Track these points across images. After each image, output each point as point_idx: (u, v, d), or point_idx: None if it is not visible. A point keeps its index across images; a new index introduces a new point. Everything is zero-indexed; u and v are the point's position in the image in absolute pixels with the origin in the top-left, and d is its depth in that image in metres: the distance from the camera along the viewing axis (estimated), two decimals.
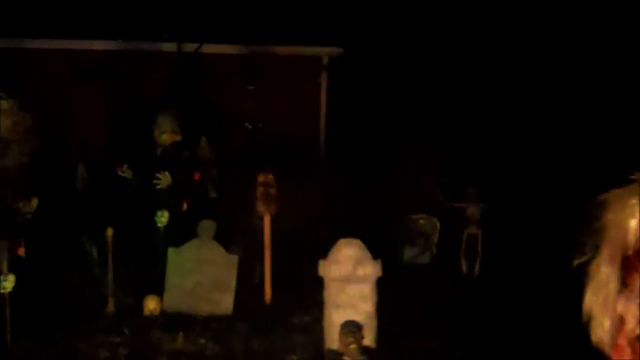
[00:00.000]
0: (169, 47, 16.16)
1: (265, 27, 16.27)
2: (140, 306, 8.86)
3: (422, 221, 11.59)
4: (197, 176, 10.41)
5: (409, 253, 11.72)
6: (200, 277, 8.89)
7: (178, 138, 9.61)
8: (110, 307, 8.72)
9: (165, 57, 16.13)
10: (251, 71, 16.09)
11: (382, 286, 9.34)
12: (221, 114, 13.80)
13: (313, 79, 16.57)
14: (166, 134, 9.51)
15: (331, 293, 7.13)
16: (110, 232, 8.41)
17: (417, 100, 14.80)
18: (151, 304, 8.71)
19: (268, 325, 8.52)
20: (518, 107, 13.95)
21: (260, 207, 9.12)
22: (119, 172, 9.28)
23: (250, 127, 12.63)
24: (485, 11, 14.49)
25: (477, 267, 10.89)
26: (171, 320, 8.56)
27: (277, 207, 9.16)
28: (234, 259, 8.93)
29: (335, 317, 6.93)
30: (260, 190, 9.06)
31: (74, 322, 8.37)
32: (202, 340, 8.02)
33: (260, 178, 9.08)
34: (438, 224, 11.60)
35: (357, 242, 7.19)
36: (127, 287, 9.14)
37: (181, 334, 8.07)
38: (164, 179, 9.37)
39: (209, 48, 16.20)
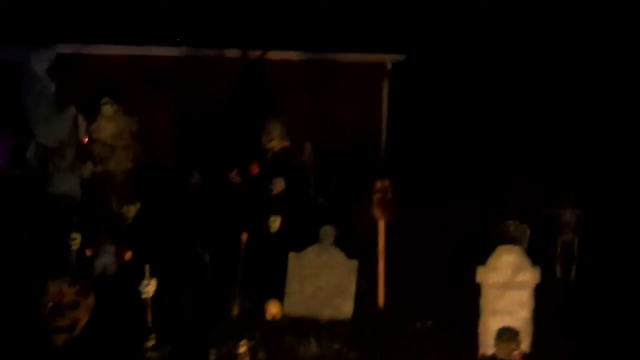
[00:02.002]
0: (234, 53, 16.21)
1: (329, 34, 16.32)
2: (258, 310, 8.86)
3: (512, 227, 11.59)
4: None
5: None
6: (321, 282, 8.93)
7: (287, 144, 9.65)
8: (235, 311, 8.73)
9: (230, 64, 16.17)
10: (315, 77, 16.17)
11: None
12: (320, 120, 13.84)
13: (376, 85, 16.63)
14: (275, 140, 9.56)
15: (489, 299, 7.16)
16: (244, 236, 8.43)
17: (484, 106, 14.83)
18: (273, 309, 8.75)
19: (391, 329, 8.54)
20: (615, 109, 13.97)
21: (377, 212, 9.15)
22: (230, 178, 9.29)
23: (349, 134, 12.64)
24: (556, 13, 14.52)
25: (573, 273, 10.90)
26: (295, 325, 8.57)
27: (393, 213, 9.18)
28: (354, 264, 8.96)
29: (491, 324, 6.96)
30: (377, 196, 9.10)
31: (199, 327, 8.37)
32: (337, 345, 8.03)
33: (378, 184, 9.11)
34: (528, 230, 11.61)
35: (516, 249, 7.23)
36: (245, 292, 9.14)
37: (312, 339, 8.09)
38: (278, 185, 9.40)
39: (273, 55, 16.23)
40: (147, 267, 7.37)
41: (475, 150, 13.68)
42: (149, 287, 7.43)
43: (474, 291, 8.60)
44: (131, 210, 10.06)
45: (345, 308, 8.86)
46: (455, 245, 10.68)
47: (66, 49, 15.90)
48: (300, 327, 8.49)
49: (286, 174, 9.52)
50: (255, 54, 16.00)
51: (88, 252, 9.42)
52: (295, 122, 13.03)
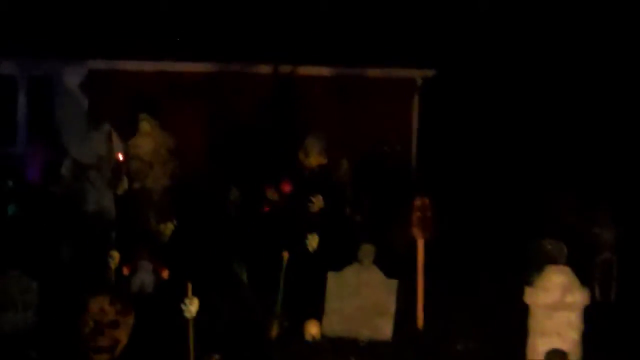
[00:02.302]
0: (265, 68, 16.23)
1: (359, 49, 16.33)
2: (295, 330, 8.80)
3: (549, 246, 11.46)
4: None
5: (534, 278, 11.58)
6: (360, 301, 8.84)
7: (324, 161, 9.60)
8: (274, 331, 8.68)
9: (261, 79, 16.19)
10: (345, 93, 16.18)
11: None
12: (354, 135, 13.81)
13: (406, 100, 16.60)
14: (313, 156, 9.51)
15: (537, 320, 7.08)
16: (286, 255, 8.38)
17: (517, 121, 14.73)
18: (313, 329, 8.67)
19: (431, 351, 8.45)
20: None
21: (416, 231, 9.06)
22: (267, 195, 9.26)
23: (388, 150, 12.60)
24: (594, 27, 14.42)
25: (612, 294, 10.75)
26: (335, 346, 8.50)
27: (432, 232, 9.10)
28: (394, 283, 8.89)
29: (540, 345, 6.88)
30: (416, 214, 9.01)
31: (240, 347, 8.32)
32: None
33: (417, 202, 9.02)
34: (565, 249, 11.47)
35: (566, 269, 7.16)
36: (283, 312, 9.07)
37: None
38: (317, 202, 9.35)
39: (303, 70, 16.25)
40: (189, 285, 7.30)
41: (509, 166, 13.57)
42: (192, 307, 7.35)
43: (517, 312, 8.51)
44: (168, 228, 10.04)
45: (385, 328, 8.78)
46: (494, 264, 10.58)
47: (98, 64, 16.04)
48: (340, 347, 8.40)
49: (324, 191, 9.43)
50: (286, 69, 16.01)
51: (125, 270, 9.38)
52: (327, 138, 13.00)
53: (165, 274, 9.70)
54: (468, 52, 15.54)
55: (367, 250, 8.77)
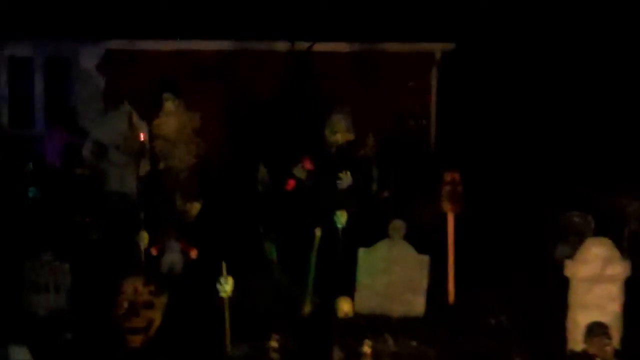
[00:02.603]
0: (282, 46, 16.12)
1: (378, 24, 16.19)
2: (327, 307, 8.76)
3: (576, 218, 11.39)
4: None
5: (561, 251, 11.51)
6: (392, 277, 8.79)
7: (351, 137, 9.55)
8: (307, 309, 8.66)
9: (279, 56, 16.09)
10: (363, 67, 16.07)
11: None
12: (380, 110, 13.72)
13: (425, 74, 16.48)
14: (340, 133, 9.46)
15: (578, 293, 7.02)
16: (318, 232, 8.34)
17: (538, 94, 14.59)
18: (345, 306, 8.62)
19: (466, 326, 8.42)
20: None
21: (446, 205, 9.01)
22: (294, 172, 9.20)
23: (414, 124, 12.52)
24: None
25: None
26: (369, 322, 8.47)
27: (462, 206, 9.05)
28: (425, 259, 8.84)
29: (581, 318, 6.83)
30: (446, 188, 8.95)
31: (271, 324, 8.29)
32: (414, 343, 7.93)
33: (447, 176, 8.97)
34: (592, 222, 11.40)
35: (606, 241, 7.09)
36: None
37: (388, 336, 7.99)
38: (345, 179, 9.29)
39: (321, 46, 16.14)
40: (224, 265, 7.28)
41: (530, 140, 13.45)
42: (227, 286, 7.34)
43: (549, 285, 8.47)
44: (194, 207, 10.01)
45: (416, 304, 8.74)
46: (522, 238, 10.52)
47: (115, 44, 15.96)
48: (373, 324, 8.37)
49: (351, 168, 9.37)
50: (303, 45, 15.90)
51: (154, 251, 9.36)
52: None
53: (193, 253, 9.69)
54: (488, 25, 15.36)
55: (397, 226, 8.71)
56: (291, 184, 11.16)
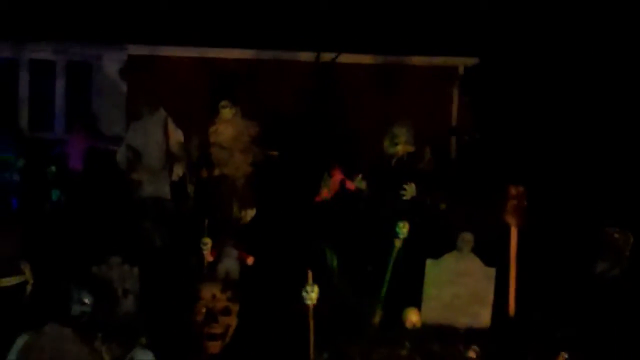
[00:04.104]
0: (306, 56, 16.13)
1: (401, 37, 16.25)
2: (393, 319, 8.77)
3: (616, 235, 11.48)
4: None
5: (600, 266, 11.62)
6: (458, 289, 8.85)
7: (411, 149, 9.58)
8: (377, 318, 8.65)
9: (302, 67, 16.09)
10: (386, 81, 16.12)
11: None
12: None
13: (447, 89, 16.57)
14: (401, 145, 9.49)
15: None
16: (398, 243, 8.34)
17: (564, 114, 14.67)
18: (413, 317, 8.66)
19: (531, 338, 8.47)
20: None
21: (510, 219, 9.08)
22: (355, 183, 9.21)
23: (467, 138, 12.58)
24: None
25: None
26: (437, 333, 8.49)
27: (526, 220, 9.12)
28: (492, 271, 8.90)
29: None
30: (512, 202, 9.03)
31: (341, 333, 8.28)
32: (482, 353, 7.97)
33: (512, 190, 9.04)
34: (631, 239, 11.50)
35: None
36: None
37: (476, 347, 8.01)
38: (409, 190, 9.32)
39: (345, 58, 16.17)
40: (309, 272, 7.26)
41: (557, 158, 13.53)
42: (313, 294, 7.31)
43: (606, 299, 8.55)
44: (248, 214, 9.98)
45: (482, 316, 8.80)
46: (567, 253, 10.59)
47: (138, 50, 15.86)
48: (441, 334, 8.40)
49: (411, 180, 9.41)
50: (328, 57, 15.92)
51: (210, 257, 9.31)
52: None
53: (250, 260, 9.65)
54: (513, 40, 15.46)
55: (466, 239, 8.77)
56: (324, 194, 11.18)
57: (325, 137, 13.55)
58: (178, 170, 12.35)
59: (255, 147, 10.43)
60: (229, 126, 10.38)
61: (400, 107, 16.12)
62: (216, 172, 10.37)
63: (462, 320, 8.76)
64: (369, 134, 15.42)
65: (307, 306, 7.30)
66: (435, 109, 16.36)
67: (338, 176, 11.15)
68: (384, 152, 9.70)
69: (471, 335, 8.61)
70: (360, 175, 9.30)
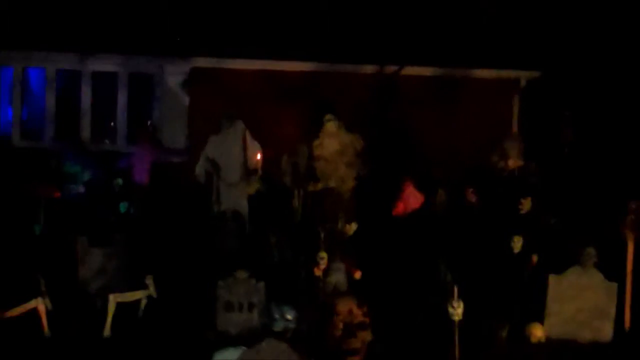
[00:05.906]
0: (368, 68, 16.10)
1: (463, 50, 16.23)
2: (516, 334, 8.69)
3: None
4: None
5: None
6: (581, 303, 8.79)
7: (521, 163, 9.54)
8: (504, 333, 8.58)
9: (363, 79, 16.05)
10: (448, 93, 16.09)
11: None
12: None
13: (507, 101, 16.53)
14: (512, 159, 9.44)
15: None
16: (535, 258, 8.28)
17: (624, 129, 14.62)
18: (538, 332, 8.58)
19: None
20: None
21: (629, 233, 9.04)
22: (468, 197, 9.16)
23: (567, 151, 12.53)
24: None
25: None
26: (560, 348, 8.42)
27: None
28: (614, 286, 8.84)
29: None
30: (631, 217, 8.99)
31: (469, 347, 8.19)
32: None
33: (632, 205, 9.01)
34: None
35: None
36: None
37: None
38: (526, 204, 9.26)
39: (406, 70, 16.14)
40: (456, 288, 7.18)
41: (616, 174, 13.42)
42: (459, 309, 7.23)
43: None
44: (351, 228, 9.90)
45: (604, 331, 8.73)
46: None
47: (201, 62, 15.81)
48: (564, 349, 8.32)
49: (522, 194, 9.35)
50: (391, 69, 15.89)
51: (317, 271, 9.23)
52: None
53: (358, 274, 9.56)
54: (576, 53, 15.45)
55: (590, 254, 8.71)
56: (400, 207, 11.13)
57: (401, 150, 13.48)
58: (255, 184, 12.31)
59: (360, 160, 10.37)
60: (334, 140, 10.31)
61: (462, 119, 16.13)
62: (319, 185, 10.29)
63: (585, 335, 8.67)
64: (434, 146, 15.47)
65: (452, 322, 7.18)
66: (496, 121, 16.29)
67: (409, 188, 11.12)
68: (491, 167, 9.62)
69: (594, 349, 8.53)
70: (472, 190, 9.19)
